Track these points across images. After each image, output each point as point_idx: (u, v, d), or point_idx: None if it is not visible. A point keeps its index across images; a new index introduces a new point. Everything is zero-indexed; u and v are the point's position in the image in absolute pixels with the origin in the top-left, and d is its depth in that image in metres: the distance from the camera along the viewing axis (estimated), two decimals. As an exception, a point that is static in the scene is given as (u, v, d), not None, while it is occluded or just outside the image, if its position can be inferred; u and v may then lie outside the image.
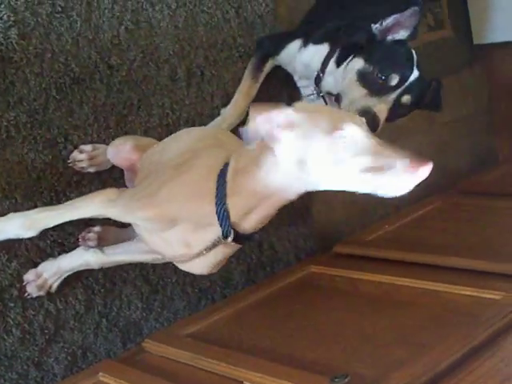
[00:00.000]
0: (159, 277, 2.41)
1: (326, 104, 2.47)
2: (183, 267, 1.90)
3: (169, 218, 1.72)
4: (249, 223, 1.68)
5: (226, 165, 1.66)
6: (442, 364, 1.78)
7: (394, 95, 2.22)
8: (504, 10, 3.45)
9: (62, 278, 2.13)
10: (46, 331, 2.17)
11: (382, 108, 2.21)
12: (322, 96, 2.48)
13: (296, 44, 2.54)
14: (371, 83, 2.23)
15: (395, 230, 2.87)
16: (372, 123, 2.17)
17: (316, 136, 1.47)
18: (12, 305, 2.10)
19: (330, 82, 2.41)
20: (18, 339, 2.12)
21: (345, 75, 2.31)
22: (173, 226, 1.72)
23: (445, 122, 3.55)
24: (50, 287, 2.12)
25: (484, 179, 3.45)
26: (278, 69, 2.66)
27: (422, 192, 3.18)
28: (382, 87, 2.22)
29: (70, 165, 2.19)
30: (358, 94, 2.24)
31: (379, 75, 2.21)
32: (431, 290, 2.24)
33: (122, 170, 2.19)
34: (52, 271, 2.10)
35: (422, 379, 1.72)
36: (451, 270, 2.36)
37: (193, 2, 2.50)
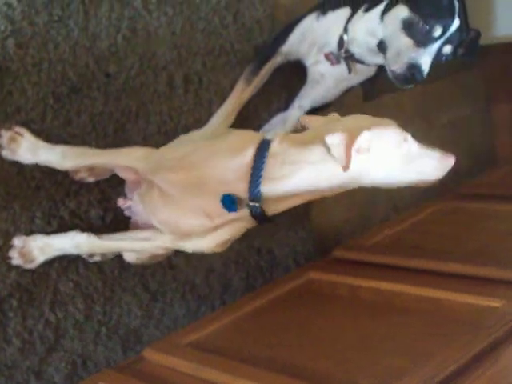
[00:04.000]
0: (159, 284, 2.40)
1: (349, 67, 2.49)
2: (188, 245, 1.90)
3: (197, 184, 1.74)
4: (278, 207, 1.70)
5: (265, 142, 1.70)
6: (443, 373, 1.77)
7: (437, 45, 2.21)
8: (503, 11, 3.45)
9: (49, 256, 2.10)
10: (45, 340, 2.16)
11: (426, 60, 2.21)
12: (345, 60, 2.47)
13: (310, 18, 2.55)
14: (416, 33, 2.21)
15: (394, 235, 2.86)
16: (418, 76, 2.21)
17: (390, 155, 1.64)
18: (12, 315, 2.10)
19: (357, 41, 2.42)
20: (18, 349, 2.12)
21: (388, 24, 2.30)
22: (197, 194, 1.74)
23: (443, 123, 3.55)
24: (32, 261, 2.09)
25: (483, 181, 3.46)
26: (277, 72, 2.65)
27: (421, 195, 3.22)
28: (426, 37, 2.20)
29: (69, 175, 2.18)
30: (403, 45, 2.23)
31: (424, 25, 2.19)
32: (431, 297, 2.24)
33: (120, 178, 2.18)
34: (39, 245, 2.08)
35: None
36: (451, 276, 2.35)
37: (190, 9, 2.49)
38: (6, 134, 2.04)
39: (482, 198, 3.14)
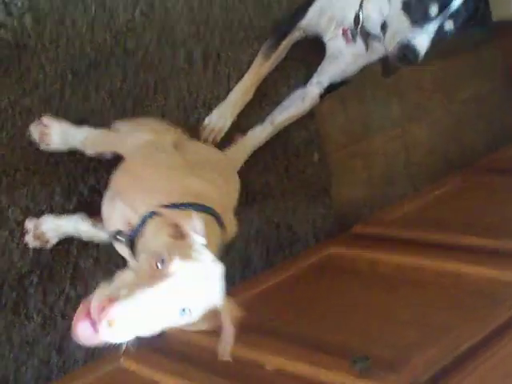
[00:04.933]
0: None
1: (366, 45, 2.48)
2: None
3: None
4: None
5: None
6: (461, 347, 1.77)
7: (434, 24, 2.20)
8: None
9: (60, 236, 2.13)
10: (66, 317, 2.17)
11: (422, 40, 2.19)
12: (361, 37, 2.46)
13: None
14: (413, 13, 2.21)
15: (414, 210, 2.85)
16: (411, 57, 2.19)
17: None
18: (32, 291, 2.10)
19: (371, 18, 2.41)
20: (39, 325, 2.12)
21: (392, 4, 2.29)
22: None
23: (463, 98, 3.53)
24: (47, 242, 2.11)
25: (504, 155, 3.43)
26: (295, 48, 2.64)
27: (440, 170, 3.20)
28: (422, 17, 2.19)
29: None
30: (401, 25, 2.23)
31: (419, 4, 2.19)
32: (451, 271, 2.23)
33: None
34: (50, 226, 2.10)
35: (443, 361, 1.72)
36: (471, 250, 2.34)
37: (208, -17, 2.47)
38: (36, 130, 2.06)
39: (502, 173, 3.12)
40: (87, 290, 2.20)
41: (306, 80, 2.70)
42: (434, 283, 2.21)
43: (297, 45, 2.65)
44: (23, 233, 2.09)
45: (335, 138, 2.94)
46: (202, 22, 2.46)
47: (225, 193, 1.96)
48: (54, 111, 2.11)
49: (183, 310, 1.42)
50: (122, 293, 1.36)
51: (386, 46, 2.30)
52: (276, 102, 2.66)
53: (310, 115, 2.71)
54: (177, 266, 1.41)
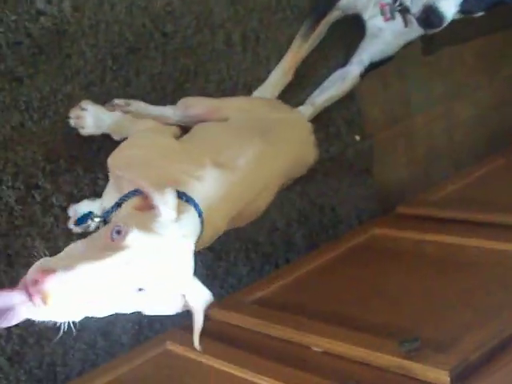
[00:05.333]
0: (222, 243, 2.40)
1: (405, 21, 2.45)
2: None
3: None
4: None
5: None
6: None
7: None
8: None
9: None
10: (112, 301, 2.18)
11: (448, 3, 2.17)
12: (400, 13, 2.43)
13: None
14: None
15: (459, 190, 2.82)
16: (434, 19, 2.17)
17: None
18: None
19: None
20: (85, 310, 2.14)
21: None
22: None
23: (504, 76, 3.47)
24: (88, 227, 2.07)
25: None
26: (334, 27, 2.61)
27: (483, 150, 3.16)
28: None
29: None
30: None
31: None
32: (498, 250, 2.20)
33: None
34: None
35: (492, 343, 1.70)
36: (517, 229, 2.31)
37: (246, -36, 2.46)
38: (73, 114, 2.06)
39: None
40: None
41: (345, 60, 2.68)
42: (480, 262, 2.18)
43: (336, 24, 2.62)
44: (67, 219, 2.10)
45: (376, 117, 2.91)
46: (240, 4, 2.45)
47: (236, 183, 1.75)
48: (95, 97, 2.12)
49: (139, 289, 1.29)
50: (60, 264, 1.22)
51: (412, 10, 2.26)
52: (316, 83, 2.64)
53: (351, 95, 2.69)
54: (133, 237, 1.28)
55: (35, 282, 1.17)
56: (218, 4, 2.39)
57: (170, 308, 1.43)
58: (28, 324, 2.01)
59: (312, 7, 2.62)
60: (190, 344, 1.98)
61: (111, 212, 1.56)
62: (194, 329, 1.49)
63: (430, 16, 2.17)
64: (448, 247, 2.32)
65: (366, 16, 2.58)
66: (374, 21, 2.56)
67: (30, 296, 1.18)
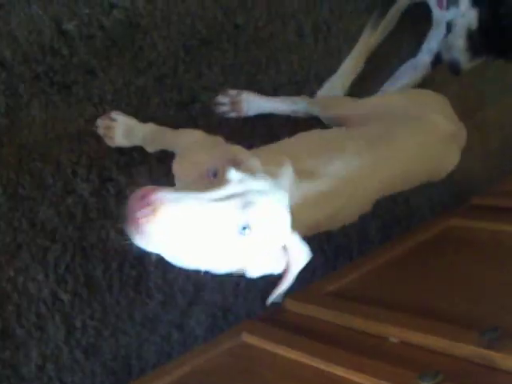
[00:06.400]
0: (295, 236, 2.39)
1: None
2: None
3: None
4: None
5: None
6: None
7: None
8: None
9: None
10: (186, 293, 2.19)
11: (469, 63, 2.28)
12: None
13: None
14: (472, 45, 2.28)
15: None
16: (455, 72, 2.34)
17: None
18: (152, 269, 2.12)
19: None
20: (160, 302, 2.15)
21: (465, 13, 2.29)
22: None
23: None
24: None
25: None
26: (405, 17, 2.58)
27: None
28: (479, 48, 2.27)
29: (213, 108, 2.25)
30: (458, 45, 2.28)
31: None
32: None
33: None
34: None
35: None
36: None
37: (316, -45, 2.45)
38: (102, 123, 2.05)
39: None
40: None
41: (417, 51, 2.65)
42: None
43: (407, 14, 2.59)
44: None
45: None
46: (311, -5, 2.44)
47: None
48: (168, 89, 2.13)
49: (243, 228, 1.25)
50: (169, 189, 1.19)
51: (442, 48, 2.30)
52: (388, 74, 2.61)
53: (422, 85, 2.65)
54: (233, 174, 1.26)
55: (143, 197, 1.15)
56: (289, -5, 2.39)
57: (274, 264, 1.39)
58: (103, 316, 2.06)
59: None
60: (266, 335, 2.00)
61: None
62: (280, 285, 1.47)
63: (451, 68, 2.33)
64: (524, 237, 2.27)
65: (431, 3, 2.55)
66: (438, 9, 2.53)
67: (140, 208, 1.15)
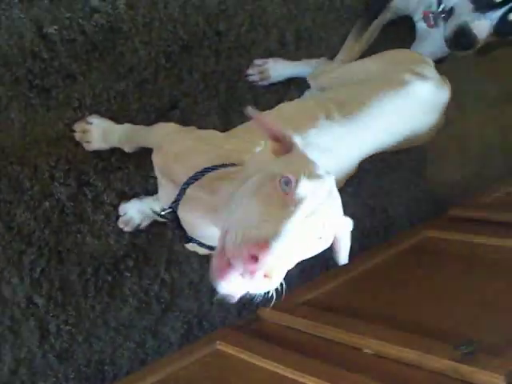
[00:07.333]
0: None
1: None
2: None
3: None
4: None
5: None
6: None
7: (498, 13, 2.17)
8: None
9: (148, 219, 2.13)
10: (161, 300, 2.18)
11: (481, 24, 2.17)
12: (444, 20, 2.38)
13: None
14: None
15: (512, 192, 2.79)
16: (464, 41, 2.19)
17: None
18: (128, 275, 2.12)
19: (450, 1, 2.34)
20: (135, 309, 2.14)
21: None
22: None
23: None
24: (139, 225, 2.12)
25: None
26: (386, 29, 2.59)
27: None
28: (487, 3, 2.17)
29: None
30: (463, 10, 2.21)
31: None
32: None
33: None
34: (134, 210, 2.10)
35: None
36: None
37: (299, -36, 2.45)
38: (79, 127, 2.04)
39: None
40: (182, 274, 2.21)
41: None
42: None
43: (388, 25, 2.60)
44: (118, 217, 2.11)
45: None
46: (293, 3, 2.45)
47: None
48: (149, 95, 2.12)
49: (320, 237, 1.25)
50: (264, 230, 1.15)
51: (444, 31, 2.26)
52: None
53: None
54: (306, 187, 1.23)
55: (252, 259, 1.11)
56: (272, 3, 2.39)
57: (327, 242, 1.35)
58: (77, 321, 2.05)
59: (365, 7, 2.61)
60: (240, 344, 1.99)
61: (178, 201, 1.55)
62: (343, 250, 1.50)
63: (460, 38, 2.17)
64: (501, 250, 2.28)
65: (416, 18, 2.56)
66: (423, 24, 2.54)
67: (249, 273, 1.12)
